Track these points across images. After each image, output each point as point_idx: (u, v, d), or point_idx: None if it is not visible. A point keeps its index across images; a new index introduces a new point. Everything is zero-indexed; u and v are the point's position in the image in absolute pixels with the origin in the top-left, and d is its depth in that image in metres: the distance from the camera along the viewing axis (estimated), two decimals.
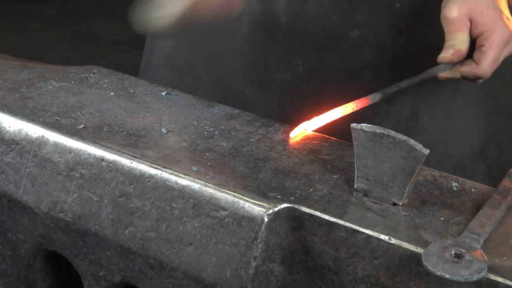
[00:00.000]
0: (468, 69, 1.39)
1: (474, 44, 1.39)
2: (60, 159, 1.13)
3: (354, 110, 1.24)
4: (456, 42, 1.36)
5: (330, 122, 1.22)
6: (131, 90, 1.30)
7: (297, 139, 1.18)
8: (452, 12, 1.36)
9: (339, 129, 1.24)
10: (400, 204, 1.03)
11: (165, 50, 1.60)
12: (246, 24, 1.49)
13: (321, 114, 1.21)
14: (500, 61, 1.40)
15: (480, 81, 1.42)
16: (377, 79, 1.42)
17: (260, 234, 1.00)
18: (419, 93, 1.47)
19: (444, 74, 1.40)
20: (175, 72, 1.59)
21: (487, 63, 1.37)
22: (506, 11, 1.40)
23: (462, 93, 1.48)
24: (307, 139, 1.18)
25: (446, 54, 1.36)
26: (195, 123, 1.21)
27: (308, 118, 1.21)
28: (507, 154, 1.61)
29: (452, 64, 1.39)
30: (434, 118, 1.49)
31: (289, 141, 1.17)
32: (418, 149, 0.99)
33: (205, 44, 1.55)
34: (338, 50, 1.37)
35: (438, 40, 1.45)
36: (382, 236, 0.97)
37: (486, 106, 1.53)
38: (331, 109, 1.22)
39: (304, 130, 1.19)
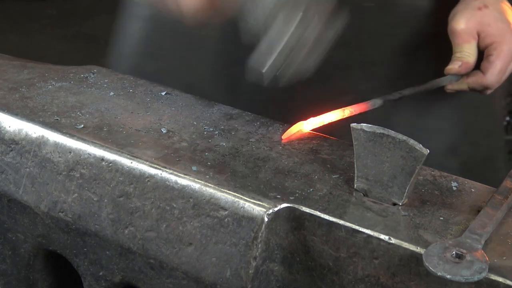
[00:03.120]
0: (475, 79, 1.39)
1: (482, 55, 1.39)
2: (60, 159, 1.13)
3: (352, 114, 1.24)
4: (464, 54, 1.37)
5: (327, 123, 1.22)
6: (131, 90, 1.30)
7: (293, 139, 1.18)
8: (460, 25, 1.36)
9: (334, 130, 1.24)
10: (400, 204, 1.03)
11: (131, 59, 1.59)
12: (214, 27, 1.48)
13: (313, 116, 1.20)
14: (508, 72, 1.40)
15: (489, 91, 1.42)
16: (347, 78, 1.43)
17: (260, 234, 1.00)
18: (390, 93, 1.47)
19: (451, 86, 1.41)
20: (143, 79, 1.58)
21: (494, 72, 1.37)
22: None
23: (433, 90, 1.49)
24: (307, 139, 1.18)
25: (453, 66, 1.37)
26: (195, 123, 1.21)
27: (288, 119, 1.21)
28: (479, 150, 1.62)
29: (459, 76, 1.39)
30: (405, 116, 1.50)
31: (283, 142, 1.17)
32: (418, 149, 0.99)
33: (173, 51, 1.53)
34: None
35: (407, 38, 1.46)
36: (382, 236, 0.97)
37: (457, 103, 1.53)
38: (304, 109, 1.22)
39: (298, 131, 1.18)
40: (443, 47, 1.43)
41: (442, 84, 1.40)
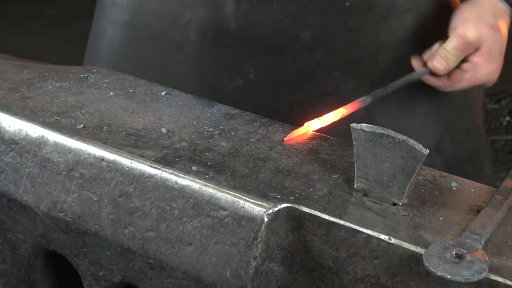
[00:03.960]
0: (440, 82, 1.40)
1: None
2: (60, 159, 1.13)
3: (344, 115, 1.25)
4: (454, 59, 1.37)
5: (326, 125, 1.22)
6: (131, 90, 1.30)
7: (295, 140, 1.18)
8: (471, 34, 1.36)
9: (332, 130, 1.24)
10: (400, 204, 1.03)
11: (110, 64, 1.58)
12: (194, 32, 1.47)
13: (308, 119, 1.20)
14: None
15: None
16: (331, 79, 1.43)
17: (260, 234, 1.00)
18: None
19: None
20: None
21: (460, 86, 1.43)
22: (503, 53, 1.42)
23: (415, 90, 1.49)
24: (307, 139, 1.18)
25: (440, 66, 1.37)
26: (195, 123, 1.21)
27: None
28: (461, 148, 1.64)
29: (429, 70, 1.40)
30: (389, 116, 1.50)
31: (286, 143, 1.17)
32: (418, 149, 0.99)
33: (153, 56, 1.53)
34: (290, 52, 1.37)
35: (389, 37, 1.46)
36: (382, 236, 0.97)
37: (439, 101, 1.54)
38: (287, 112, 1.22)
39: (298, 135, 1.18)
40: (424, 45, 1.43)
41: (419, 76, 1.41)
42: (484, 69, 1.39)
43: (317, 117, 1.20)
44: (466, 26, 1.37)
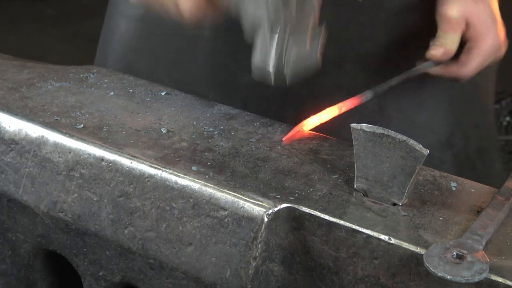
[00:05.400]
0: (451, 70, 1.40)
1: (461, 43, 1.40)
2: (59, 159, 1.13)
3: (347, 109, 1.24)
4: (448, 41, 1.37)
5: (321, 123, 1.22)
6: (131, 90, 1.30)
7: (295, 140, 1.18)
8: (452, 12, 1.36)
9: (330, 128, 1.24)
10: (400, 204, 1.03)
11: (123, 58, 1.58)
12: (208, 27, 1.48)
13: (309, 114, 1.20)
14: (482, 68, 1.41)
15: (459, 82, 1.43)
16: (343, 74, 1.42)
17: (260, 234, 1.00)
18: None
19: (432, 71, 1.41)
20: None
21: (471, 68, 1.38)
22: (500, 21, 1.41)
23: (427, 84, 1.49)
24: (307, 139, 1.18)
25: (436, 53, 1.37)
26: (195, 123, 1.21)
27: (277, 119, 1.21)
28: (472, 143, 1.63)
29: (433, 63, 1.39)
30: (400, 109, 1.50)
31: (285, 143, 1.17)
32: (418, 149, 0.99)
33: (166, 51, 1.53)
34: None
35: (399, 32, 1.46)
36: (382, 236, 0.97)
37: (450, 96, 1.53)
38: (299, 105, 1.22)
39: (299, 132, 1.18)
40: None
41: (423, 70, 1.40)
42: (485, 41, 1.38)
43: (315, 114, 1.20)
44: (446, 6, 1.37)
